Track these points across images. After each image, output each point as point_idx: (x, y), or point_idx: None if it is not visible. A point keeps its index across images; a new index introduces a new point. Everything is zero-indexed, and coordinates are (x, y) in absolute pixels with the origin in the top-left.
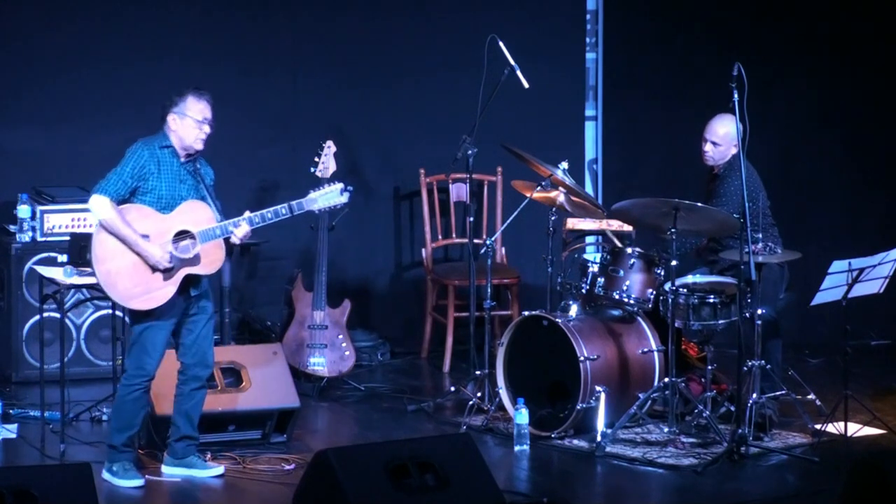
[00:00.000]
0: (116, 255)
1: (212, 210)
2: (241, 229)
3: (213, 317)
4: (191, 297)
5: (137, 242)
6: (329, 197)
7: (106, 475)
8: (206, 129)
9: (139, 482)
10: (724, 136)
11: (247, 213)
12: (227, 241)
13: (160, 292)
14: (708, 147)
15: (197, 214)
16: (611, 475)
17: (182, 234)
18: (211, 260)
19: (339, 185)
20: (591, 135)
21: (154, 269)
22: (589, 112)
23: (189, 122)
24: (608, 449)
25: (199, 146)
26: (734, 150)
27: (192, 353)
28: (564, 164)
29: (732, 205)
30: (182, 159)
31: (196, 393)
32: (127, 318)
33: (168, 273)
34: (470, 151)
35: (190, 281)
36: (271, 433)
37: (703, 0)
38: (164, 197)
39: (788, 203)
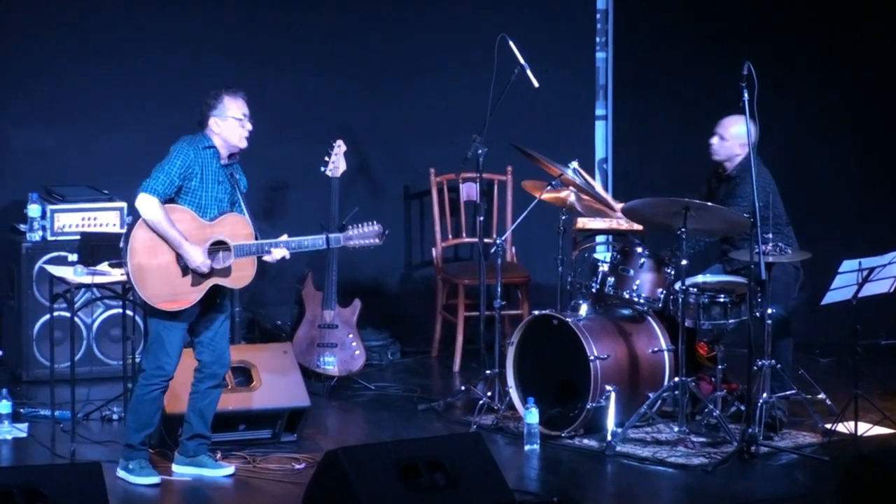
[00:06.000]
0: (151, 253)
1: (252, 228)
2: (278, 251)
3: (228, 316)
4: (215, 303)
5: (182, 244)
6: (366, 236)
7: (122, 473)
8: (248, 125)
9: (156, 479)
10: (733, 133)
11: (284, 237)
12: (259, 258)
13: (185, 297)
14: (714, 140)
15: (237, 228)
16: (621, 474)
17: (218, 244)
18: (241, 275)
19: (379, 229)
20: (602, 134)
21: (185, 272)
22: (599, 111)
23: (232, 123)
24: (618, 448)
25: (244, 144)
26: (739, 151)
27: (210, 351)
28: (575, 164)
29: (748, 207)
30: (223, 161)
31: (211, 391)
32: (138, 318)
33: (197, 280)
34: (480, 151)
35: (216, 291)
36: (282, 432)
37: None
38: (203, 197)
39: (798, 202)
